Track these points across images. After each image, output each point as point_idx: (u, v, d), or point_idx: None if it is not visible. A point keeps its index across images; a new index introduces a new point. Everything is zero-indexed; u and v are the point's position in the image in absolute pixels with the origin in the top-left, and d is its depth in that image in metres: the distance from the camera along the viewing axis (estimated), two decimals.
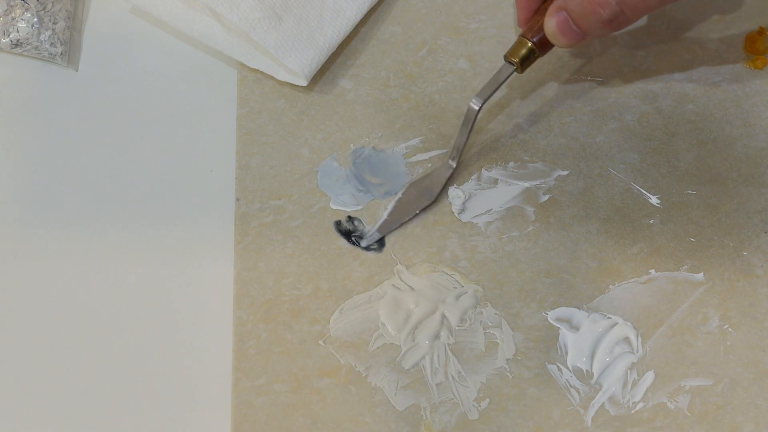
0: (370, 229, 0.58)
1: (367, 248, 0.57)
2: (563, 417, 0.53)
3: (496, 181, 0.60)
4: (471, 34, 0.65)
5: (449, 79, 0.63)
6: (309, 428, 0.52)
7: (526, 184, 0.59)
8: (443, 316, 0.55)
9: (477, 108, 0.57)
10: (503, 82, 0.57)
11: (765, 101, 0.62)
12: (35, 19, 0.64)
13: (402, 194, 0.59)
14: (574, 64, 0.64)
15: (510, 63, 0.57)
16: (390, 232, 0.58)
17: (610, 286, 0.56)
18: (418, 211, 0.58)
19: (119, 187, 0.61)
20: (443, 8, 0.66)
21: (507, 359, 0.54)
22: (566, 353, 0.54)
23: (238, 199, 0.59)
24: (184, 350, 0.56)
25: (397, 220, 0.58)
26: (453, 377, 0.54)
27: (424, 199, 0.59)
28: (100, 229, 0.60)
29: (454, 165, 0.59)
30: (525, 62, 0.57)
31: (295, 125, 0.61)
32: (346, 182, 0.60)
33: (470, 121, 0.58)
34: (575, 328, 0.55)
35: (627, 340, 0.55)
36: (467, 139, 0.58)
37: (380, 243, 0.58)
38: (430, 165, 0.60)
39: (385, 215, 0.58)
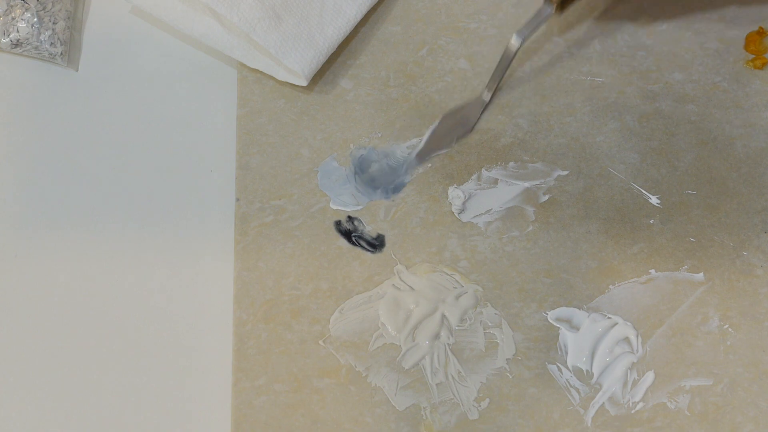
0: (408, 157, 0.60)
1: (405, 174, 0.59)
2: (563, 417, 0.53)
3: (496, 181, 0.60)
4: (471, 34, 0.65)
5: (449, 79, 0.63)
6: (309, 428, 0.52)
7: (526, 184, 0.59)
8: (443, 316, 0.55)
9: (517, 46, 0.59)
10: (542, 22, 0.59)
11: (765, 101, 0.62)
12: (35, 19, 0.64)
13: (438, 124, 0.61)
14: (574, 64, 0.64)
15: (549, 2, 0.59)
16: (427, 158, 0.60)
17: (610, 286, 0.56)
18: (454, 142, 0.60)
19: (119, 187, 0.61)
20: (443, 8, 0.66)
21: (507, 359, 0.54)
22: (566, 353, 0.54)
23: (238, 199, 0.59)
24: (184, 350, 0.56)
25: (434, 149, 0.60)
26: (453, 377, 0.54)
27: (460, 129, 0.61)
28: (100, 229, 0.60)
29: (488, 99, 0.61)
30: (564, 3, 0.59)
31: (295, 125, 0.62)
32: (346, 182, 0.60)
33: (509, 58, 0.60)
34: (575, 328, 0.55)
35: (627, 340, 0.55)
36: (503, 75, 0.60)
37: (380, 243, 0.58)
38: (430, 165, 0.60)
39: (421, 144, 0.60)
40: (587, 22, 0.65)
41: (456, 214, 0.58)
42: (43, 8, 0.64)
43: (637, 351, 0.54)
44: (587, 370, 0.54)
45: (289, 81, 0.62)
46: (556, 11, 0.59)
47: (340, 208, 0.59)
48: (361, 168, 0.60)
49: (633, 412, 0.53)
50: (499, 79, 0.61)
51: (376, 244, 0.58)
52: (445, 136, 0.60)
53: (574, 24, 0.65)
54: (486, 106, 0.61)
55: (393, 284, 0.56)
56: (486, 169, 0.60)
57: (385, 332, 0.55)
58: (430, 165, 0.60)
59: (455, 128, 0.61)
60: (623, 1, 0.66)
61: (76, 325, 0.57)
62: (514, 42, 0.59)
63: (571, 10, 0.63)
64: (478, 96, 0.61)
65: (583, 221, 0.58)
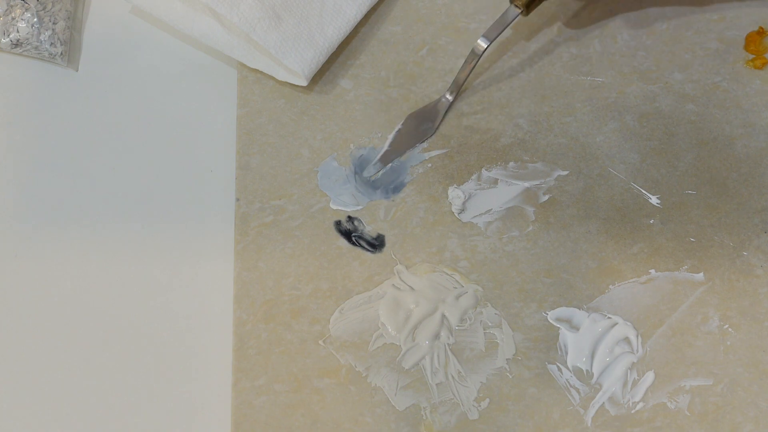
0: (374, 159, 0.60)
1: (368, 182, 0.59)
2: (563, 417, 0.53)
3: (496, 181, 0.60)
4: (471, 34, 0.65)
5: (449, 79, 0.63)
6: (309, 428, 0.52)
7: (526, 184, 0.59)
8: (443, 316, 0.55)
9: (483, 48, 0.60)
10: (508, 25, 0.60)
11: (765, 101, 0.62)
12: (35, 19, 0.64)
13: (402, 126, 0.61)
14: (574, 63, 0.64)
15: (516, 6, 0.60)
16: (391, 161, 0.60)
17: (610, 286, 0.56)
18: (418, 142, 0.61)
19: (119, 187, 0.61)
20: (443, 8, 0.66)
21: (507, 359, 0.54)
22: (566, 353, 0.54)
23: (238, 199, 0.59)
24: (184, 350, 0.56)
25: (397, 150, 0.61)
26: (453, 377, 0.54)
27: (424, 130, 0.61)
28: (100, 229, 0.60)
29: (451, 99, 0.62)
30: (530, 5, 0.60)
31: (295, 125, 0.62)
32: (346, 182, 0.60)
33: (474, 59, 0.60)
34: (575, 328, 0.55)
35: (627, 340, 0.55)
36: (467, 76, 0.61)
37: (380, 243, 0.58)
38: (430, 165, 0.60)
39: (386, 146, 0.61)
40: (587, 22, 0.65)
41: (456, 214, 0.58)
42: (43, 8, 0.64)
43: (637, 351, 0.54)
44: (587, 370, 0.54)
45: (289, 81, 0.62)
46: (522, 14, 0.60)
47: (340, 208, 0.59)
48: (361, 168, 0.60)
49: (633, 412, 0.53)
50: (463, 81, 0.61)
51: (376, 244, 0.58)
52: (409, 137, 0.61)
53: (574, 24, 0.65)
54: (450, 106, 0.62)
55: (393, 284, 0.56)
56: (486, 169, 0.60)
57: (385, 332, 0.55)
58: (430, 165, 0.60)
59: (418, 129, 0.61)
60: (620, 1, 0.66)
61: (76, 325, 0.57)
62: (481, 44, 0.60)
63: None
64: (440, 97, 0.62)
65: (583, 221, 0.58)
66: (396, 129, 0.61)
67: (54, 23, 0.64)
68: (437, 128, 0.61)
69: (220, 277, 0.58)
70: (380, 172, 0.60)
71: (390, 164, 0.60)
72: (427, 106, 0.62)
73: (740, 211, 0.59)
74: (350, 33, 0.64)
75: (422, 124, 0.61)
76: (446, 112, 0.62)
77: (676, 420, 0.53)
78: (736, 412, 0.53)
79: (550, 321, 0.55)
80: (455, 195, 0.59)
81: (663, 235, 0.58)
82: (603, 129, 0.61)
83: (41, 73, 0.65)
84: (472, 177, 0.60)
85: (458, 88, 0.61)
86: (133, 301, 0.58)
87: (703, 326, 0.55)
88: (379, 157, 0.60)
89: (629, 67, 0.64)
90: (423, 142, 0.61)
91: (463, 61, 0.61)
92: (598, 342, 0.55)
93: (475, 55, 0.60)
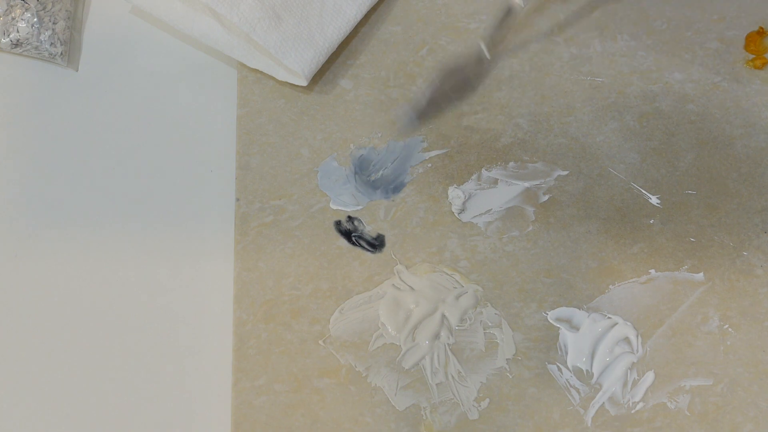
0: (408, 111, 0.59)
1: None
2: (563, 417, 0.53)
3: (496, 181, 0.60)
4: (471, 34, 0.65)
5: None
6: (309, 428, 0.52)
7: (526, 184, 0.59)
8: (443, 316, 0.55)
9: (524, 5, 0.58)
10: None
11: (765, 101, 0.62)
12: (35, 19, 0.64)
13: (438, 84, 0.60)
14: (574, 64, 0.64)
15: None
16: (428, 119, 0.59)
17: (610, 286, 0.56)
18: (456, 101, 0.60)
19: (119, 187, 0.61)
20: (443, 8, 0.66)
21: (507, 359, 0.54)
22: (566, 353, 0.54)
23: (238, 199, 0.59)
24: (184, 350, 0.56)
25: (435, 110, 0.59)
26: (453, 377, 0.54)
27: (463, 90, 0.60)
28: (100, 229, 0.60)
29: (489, 57, 0.60)
30: None
31: (295, 125, 0.62)
32: (346, 182, 0.60)
33: (512, 15, 0.58)
34: (575, 328, 0.55)
35: (627, 340, 0.55)
36: (506, 33, 0.59)
37: (380, 243, 0.58)
38: (430, 165, 0.60)
39: (424, 104, 0.59)
40: (587, 22, 0.65)
41: (456, 214, 0.58)
42: (43, 8, 0.64)
43: (637, 351, 0.54)
44: (587, 370, 0.54)
45: (289, 81, 0.62)
46: None
47: (340, 208, 0.59)
48: (360, 168, 0.60)
49: (633, 412, 0.53)
50: (502, 37, 0.59)
51: (376, 244, 0.58)
52: (446, 96, 0.60)
53: (574, 24, 0.65)
54: (489, 64, 0.60)
55: (393, 284, 0.56)
56: (486, 169, 0.60)
57: (385, 332, 0.55)
58: (430, 165, 0.60)
59: (457, 89, 0.60)
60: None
61: (76, 325, 0.57)
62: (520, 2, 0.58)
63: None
64: (477, 54, 0.60)
65: (583, 221, 0.58)
66: (431, 88, 0.59)
67: (54, 23, 0.64)
68: (477, 89, 0.60)
69: (220, 277, 0.58)
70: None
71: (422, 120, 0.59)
72: (463, 65, 0.60)
73: (740, 211, 0.59)
74: (350, 33, 0.64)
75: (460, 86, 0.59)
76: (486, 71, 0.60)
77: (676, 420, 0.53)
78: (736, 412, 0.53)
79: (550, 321, 0.55)
80: (455, 195, 0.59)
81: (663, 235, 0.58)
82: (603, 129, 0.61)
83: (41, 73, 0.65)
84: (472, 177, 0.60)
85: (495, 47, 0.59)
86: (133, 301, 0.58)
87: (703, 326, 0.55)
88: (417, 115, 0.59)
89: (629, 67, 0.64)
90: (460, 101, 0.59)
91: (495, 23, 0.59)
92: (598, 342, 0.55)
93: (515, 10, 0.58)
